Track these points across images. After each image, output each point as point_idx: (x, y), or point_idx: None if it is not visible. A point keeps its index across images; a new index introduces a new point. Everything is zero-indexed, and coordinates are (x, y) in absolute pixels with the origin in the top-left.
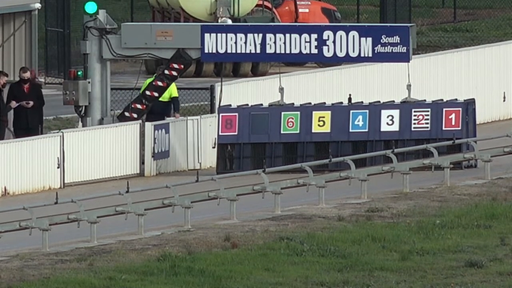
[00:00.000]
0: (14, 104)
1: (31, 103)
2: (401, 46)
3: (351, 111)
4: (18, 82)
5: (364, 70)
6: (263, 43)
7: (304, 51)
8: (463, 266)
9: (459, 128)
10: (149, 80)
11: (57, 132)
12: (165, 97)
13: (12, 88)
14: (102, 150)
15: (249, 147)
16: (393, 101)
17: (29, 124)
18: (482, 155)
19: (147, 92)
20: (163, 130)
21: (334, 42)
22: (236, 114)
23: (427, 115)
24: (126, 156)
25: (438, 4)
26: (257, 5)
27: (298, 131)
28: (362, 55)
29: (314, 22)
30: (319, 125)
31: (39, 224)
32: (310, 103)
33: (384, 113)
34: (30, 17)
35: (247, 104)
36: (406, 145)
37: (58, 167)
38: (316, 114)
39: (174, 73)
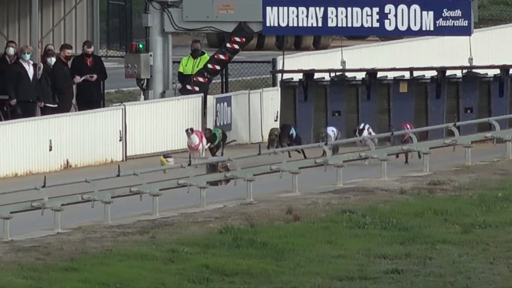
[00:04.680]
0: (78, 79)
1: (95, 76)
2: (462, 19)
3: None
4: (81, 56)
5: (425, 44)
6: (325, 17)
7: (365, 25)
8: None
9: None
10: (185, 59)
11: (119, 105)
12: None
13: (75, 62)
14: (164, 123)
15: (311, 120)
16: (455, 74)
17: (92, 98)
18: None
19: (209, 65)
20: (225, 103)
21: (395, 15)
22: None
23: None
24: None
25: None
26: None
27: None
28: (423, 28)
29: None
30: None
31: (101, 196)
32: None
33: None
34: None
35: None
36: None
37: (120, 140)
38: None
39: (236, 46)
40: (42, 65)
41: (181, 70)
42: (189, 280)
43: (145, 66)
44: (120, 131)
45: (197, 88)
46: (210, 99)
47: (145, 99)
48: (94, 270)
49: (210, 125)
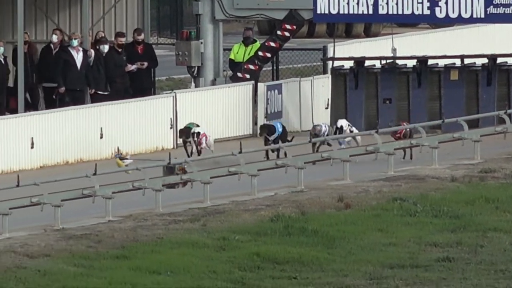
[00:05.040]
0: (129, 67)
1: (146, 64)
2: None
3: None
4: (132, 43)
5: (476, 31)
6: (376, 4)
7: (416, 12)
8: None
9: None
10: (236, 46)
11: (170, 93)
12: None
13: (126, 49)
14: (215, 111)
15: (361, 107)
16: (506, 62)
17: (143, 85)
18: None
19: (260, 53)
20: (276, 91)
21: (446, 3)
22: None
23: None
24: (239, 117)
25: None
26: None
27: None
28: (474, 16)
29: None
30: None
31: (152, 184)
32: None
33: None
34: None
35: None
36: None
37: (171, 128)
38: None
39: (287, 34)
40: (93, 52)
41: (232, 57)
42: (240, 268)
43: (196, 53)
44: (171, 118)
45: (248, 76)
46: (261, 86)
47: (195, 86)
48: (145, 258)
49: (260, 112)
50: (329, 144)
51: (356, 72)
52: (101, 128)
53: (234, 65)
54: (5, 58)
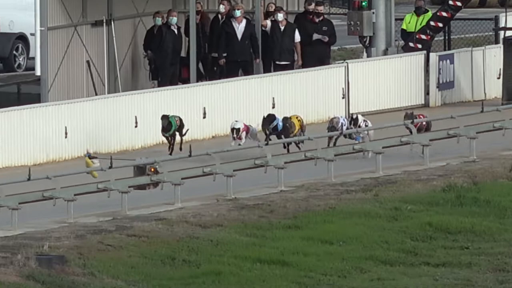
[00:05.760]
0: (316, 36)
1: (327, 38)
2: None
3: None
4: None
5: None
6: None
7: None
8: None
9: None
10: (408, 16)
11: (342, 63)
12: None
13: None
14: (387, 81)
15: None
16: None
17: (319, 55)
18: None
19: (432, 23)
20: (448, 61)
21: None
22: None
23: None
24: (411, 87)
25: None
26: None
27: None
28: None
29: None
30: None
31: (324, 154)
32: None
33: None
34: None
35: None
36: None
37: (343, 98)
38: None
39: (458, 3)
40: (269, 22)
41: (404, 27)
42: (412, 238)
43: (368, 23)
44: (342, 88)
45: (419, 46)
46: (433, 56)
47: (367, 56)
48: (317, 227)
49: (432, 82)
50: (350, 137)
51: None
52: (273, 98)
53: (406, 35)
54: (178, 28)
